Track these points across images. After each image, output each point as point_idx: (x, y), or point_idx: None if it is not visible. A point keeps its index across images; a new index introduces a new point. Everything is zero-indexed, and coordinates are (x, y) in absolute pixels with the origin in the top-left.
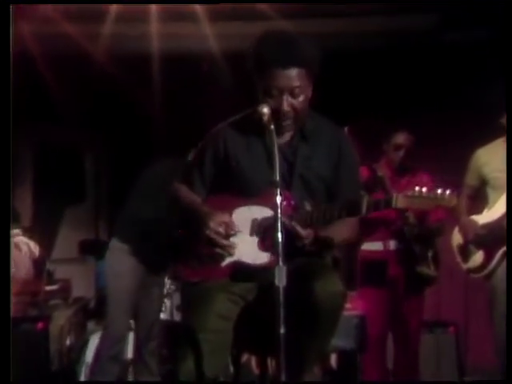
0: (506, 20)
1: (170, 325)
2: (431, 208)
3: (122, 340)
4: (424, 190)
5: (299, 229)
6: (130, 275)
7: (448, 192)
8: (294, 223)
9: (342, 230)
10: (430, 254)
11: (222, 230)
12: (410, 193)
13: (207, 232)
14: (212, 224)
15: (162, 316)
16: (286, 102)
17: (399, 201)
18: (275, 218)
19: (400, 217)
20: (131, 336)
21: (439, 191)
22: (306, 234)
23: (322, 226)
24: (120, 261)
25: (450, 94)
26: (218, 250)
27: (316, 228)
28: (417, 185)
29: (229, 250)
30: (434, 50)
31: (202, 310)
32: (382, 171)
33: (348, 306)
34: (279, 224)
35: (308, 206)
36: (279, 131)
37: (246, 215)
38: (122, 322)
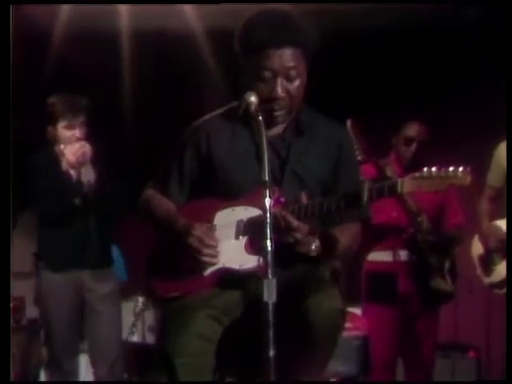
0: None
1: (141, 348)
2: (444, 188)
3: (72, 373)
4: (434, 169)
5: (290, 218)
6: (59, 293)
7: (461, 169)
8: (283, 212)
9: (344, 237)
10: (446, 266)
11: (205, 237)
12: (417, 174)
13: (190, 240)
14: (195, 232)
15: (133, 338)
16: (281, 87)
17: (406, 184)
18: (264, 220)
19: (412, 222)
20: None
21: (451, 169)
22: (298, 225)
23: (319, 223)
24: (47, 277)
25: (467, 80)
26: (203, 259)
27: (312, 224)
28: None
29: (214, 257)
30: (448, 33)
31: (180, 330)
32: (391, 169)
33: (349, 325)
34: (268, 230)
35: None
36: (270, 122)
37: (229, 217)
38: (65, 352)
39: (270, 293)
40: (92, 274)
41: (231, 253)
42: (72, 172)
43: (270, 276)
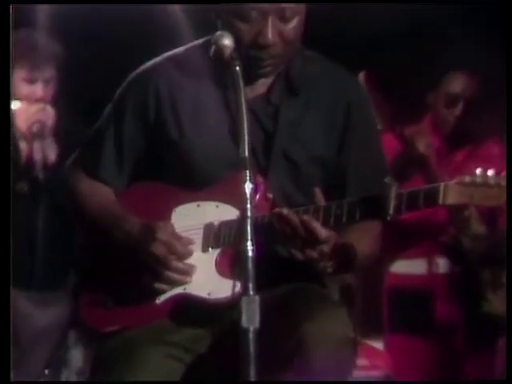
0: None
1: None
2: (503, 203)
3: None
4: (490, 173)
5: (317, 226)
6: None
7: None
8: (305, 217)
9: (361, 243)
10: (504, 282)
11: (178, 243)
12: (467, 179)
13: (153, 248)
14: (161, 235)
15: None
16: (272, 29)
17: (450, 192)
18: (243, 218)
19: (455, 218)
20: None
21: None
22: (327, 236)
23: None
24: None
25: None
26: (171, 276)
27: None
28: (482, 163)
29: (187, 275)
30: None
31: (123, 374)
32: (424, 141)
33: (364, 362)
34: (248, 227)
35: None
36: (252, 76)
37: (193, 217)
38: None
39: (250, 315)
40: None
41: (196, 273)
42: (22, 145)
43: (250, 292)
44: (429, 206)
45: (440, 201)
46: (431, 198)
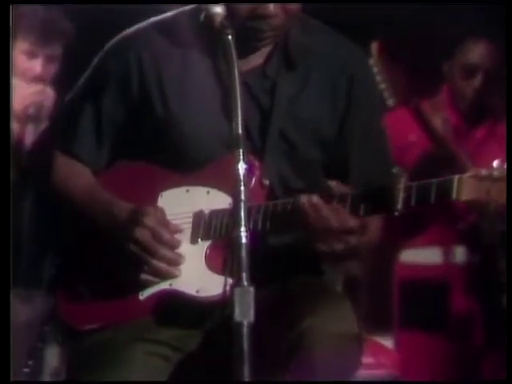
0: None
1: None
2: None
3: None
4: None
5: (344, 212)
6: None
7: None
8: (336, 205)
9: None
10: None
11: (164, 231)
12: (483, 172)
13: (137, 234)
14: (148, 221)
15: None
16: None
17: (465, 187)
18: (235, 203)
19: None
20: None
21: None
22: (356, 225)
23: None
24: None
25: None
26: (158, 266)
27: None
28: (503, 141)
29: (176, 264)
30: None
31: (105, 374)
32: (441, 116)
33: (370, 360)
34: (242, 212)
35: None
36: (249, 48)
37: (182, 204)
38: None
39: (243, 308)
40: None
41: (184, 267)
42: (15, 127)
43: (244, 283)
44: (441, 201)
45: (454, 195)
46: (444, 191)
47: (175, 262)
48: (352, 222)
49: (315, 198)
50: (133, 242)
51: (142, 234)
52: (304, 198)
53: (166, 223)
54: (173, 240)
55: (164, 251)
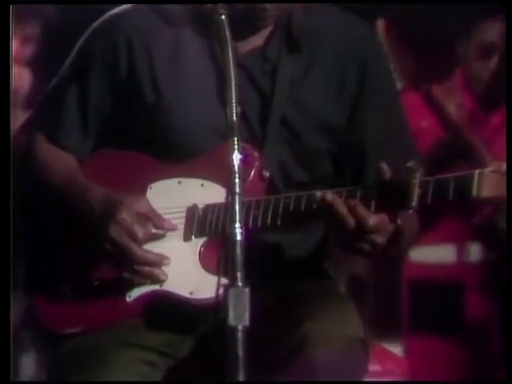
0: None
1: None
2: None
3: None
4: None
5: (364, 210)
6: None
7: None
8: (352, 202)
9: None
10: None
11: (139, 230)
12: (505, 166)
13: (111, 232)
14: (122, 215)
15: None
16: None
17: (486, 183)
18: (230, 196)
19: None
20: None
21: None
22: (380, 222)
23: None
24: None
25: None
26: (141, 270)
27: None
28: None
29: (158, 268)
30: None
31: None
32: (455, 101)
33: (376, 368)
34: (236, 207)
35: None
36: (250, 29)
37: (174, 197)
38: None
39: (238, 311)
40: None
41: (176, 267)
42: None
43: (239, 283)
44: (460, 198)
45: (474, 192)
46: (464, 188)
47: (156, 263)
48: (373, 220)
49: (329, 196)
50: (108, 241)
51: (116, 232)
52: (318, 196)
53: (144, 220)
54: (146, 240)
55: (142, 252)
